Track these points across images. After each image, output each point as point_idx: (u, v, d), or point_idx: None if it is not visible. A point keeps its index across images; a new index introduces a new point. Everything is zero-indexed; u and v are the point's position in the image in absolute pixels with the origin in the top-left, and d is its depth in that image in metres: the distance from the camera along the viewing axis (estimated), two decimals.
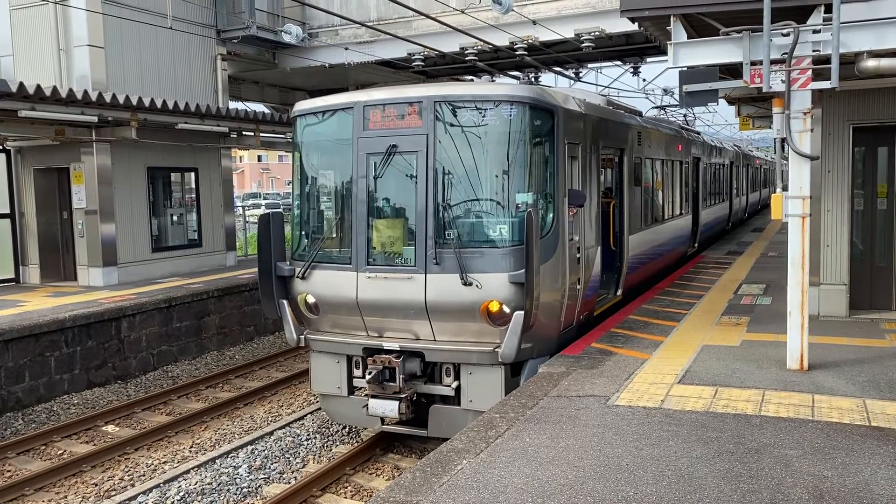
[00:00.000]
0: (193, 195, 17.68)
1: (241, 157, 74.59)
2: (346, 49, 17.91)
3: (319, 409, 10.21)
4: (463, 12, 15.75)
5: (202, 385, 12.31)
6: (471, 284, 7.79)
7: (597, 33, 15.95)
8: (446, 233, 7.99)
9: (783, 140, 7.23)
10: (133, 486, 8.40)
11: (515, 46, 16.66)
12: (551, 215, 8.24)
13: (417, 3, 15.20)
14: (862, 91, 9.45)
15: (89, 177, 15.06)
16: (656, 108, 24.44)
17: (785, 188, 7.39)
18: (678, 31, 7.49)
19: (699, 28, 7.86)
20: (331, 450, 9.20)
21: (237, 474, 8.43)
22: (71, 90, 13.13)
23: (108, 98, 13.45)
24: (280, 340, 15.46)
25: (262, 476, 8.44)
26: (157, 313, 13.32)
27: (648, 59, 20.88)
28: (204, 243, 17.85)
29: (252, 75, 21.11)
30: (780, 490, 4.78)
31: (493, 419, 6.33)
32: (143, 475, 8.72)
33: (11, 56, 15.60)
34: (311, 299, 8.68)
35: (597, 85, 22.69)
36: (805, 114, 7.13)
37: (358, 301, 8.26)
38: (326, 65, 18.57)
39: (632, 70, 20.97)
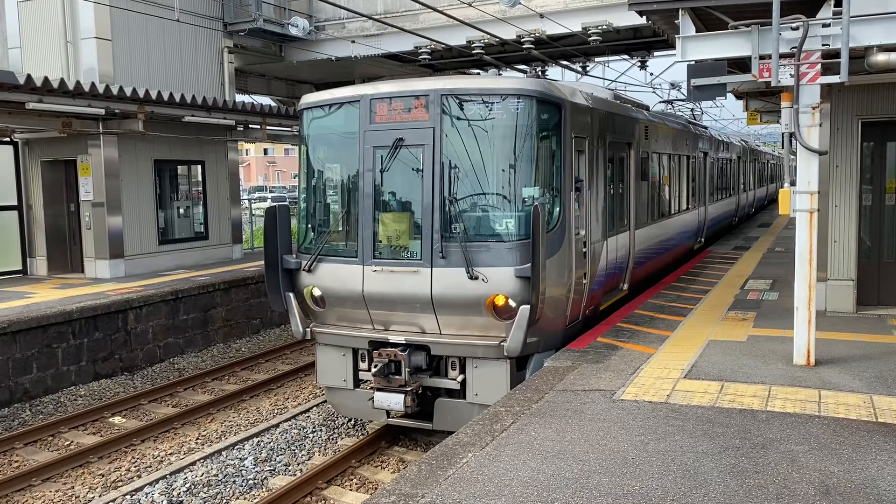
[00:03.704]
0: (200, 188, 17.72)
1: (247, 150, 74.75)
2: (353, 42, 17.89)
3: (325, 401, 10.23)
4: (470, 5, 15.71)
5: (208, 377, 12.36)
6: (477, 278, 7.78)
7: (604, 27, 15.89)
8: (452, 227, 7.97)
9: (791, 135, 7.19)
10: (140, 477, 8.44)
11: (522, 40, 16.60)
12: (558, 209, 8.21)
13: None
14: (871, 86, 9.39)
15: (96, 169, 15.10)
16: (663, 102, 24.36)
17: (793, 183, 7.35)
18: (686, 25, 7.45)
19: (707, 22, 7.81)
20: (336, 442, 9.23)
21: (243, 466, 8.46)
22: (78, 82, 13.16)
23: (115, 90, 13.48)
24: (286, 333, 15.49)
25: (268, 468, 8.47)
26: (163, 305, 13.36)
27: (656, 53, 20.80)
28: (210, 236, 17.89)
29: (258, 68, 21.10)
30: (787, 485, 4.77)
31: (498, 413, 6.34)
32: (150, 466, 8.76)
33: (19, 48, 15.64)
34: (317, 292, 8.69)
35: (604, 79, 22.63)
36: (814, 108, 7.09)
37: (364, 294, 8.27)
38: (333, 58, 18.55)
39: (639, 64, 20.90)
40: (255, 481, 8.17)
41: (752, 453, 5.30)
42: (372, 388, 8.37)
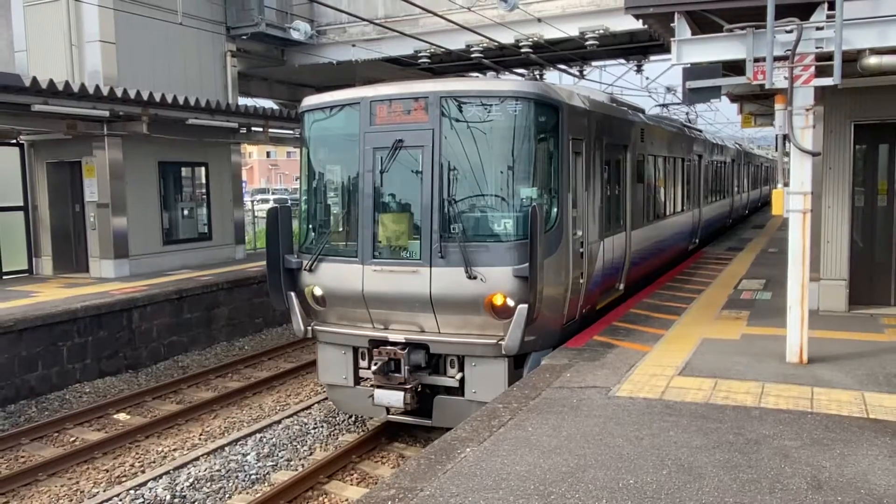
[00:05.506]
0: (203, 189, 17.84)
1: (249, 152, 74.82)
2: (354, 46, 18.01)
3: (326, 398, 10.34)
4: (469, 10, 15.84)
5: (212, 375, 12.47)
6: (475, 278, 7.88)
7: (601, 31, 16.02)
8: (451, 227, 8.06)
9: (785, 136, 7.29)
10: (143, 472, 8.54)
11: (521, 44, 16.73)
12: (555, 210, 8.32)
13: (424, 1, 15.24)
14: (864, 88, 9.47)
15: (101, 171, 15.23)
16: (659, 105, 24.49)
17: (786, 184, 7.45)
18: (682, 28, 7.53)
19: (703, 25, 7.92)
20: (337, 438, 9.34)
21: (245, 461, 8.57)
22: (83, 85, 13.28)
23: (119, 93, 13.61)
24: (288, 332, 15.58)
25: (270, 463, 8.59)
26: (167, 304, 13.47)
27: (651, 58, 20.95)
28: (214, 237, 18.02)
29: (261, 72, 21.22)
30: (779, 480, 4.84)
31: (496, 409, 6.43)
32: (154, 462, 8.87)
33: (25, 51, 15.76)
34: (318, 291, 8.79)
35: (600, 83, 22.77)
36: (807, 110, 7.16)
37: (364, 294, 8.38)
38: (334, 62, 18.68)
39: (635, 68, 21.04)
40: (258, 476, 8.29)
41: (745, 448, 5.37)
42: (372, 385, 8.47)
